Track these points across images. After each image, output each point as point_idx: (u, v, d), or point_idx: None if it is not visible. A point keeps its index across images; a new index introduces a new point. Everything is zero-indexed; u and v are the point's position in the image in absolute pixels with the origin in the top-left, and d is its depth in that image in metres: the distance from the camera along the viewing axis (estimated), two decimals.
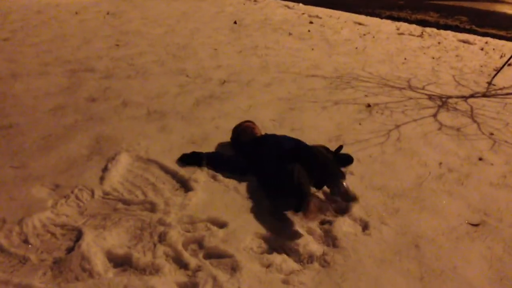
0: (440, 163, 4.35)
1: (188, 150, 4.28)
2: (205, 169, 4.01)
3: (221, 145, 4.48)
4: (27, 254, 2.88)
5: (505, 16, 12.81)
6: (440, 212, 3.56)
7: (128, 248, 3.01)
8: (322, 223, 3.38)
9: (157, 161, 4.11)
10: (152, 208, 3.44)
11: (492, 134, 5.15)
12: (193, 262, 2.91)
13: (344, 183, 3.52)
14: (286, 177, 3.47)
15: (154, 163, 4.09)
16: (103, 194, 3.59)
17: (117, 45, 8.34)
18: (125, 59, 7.44)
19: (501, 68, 7.70)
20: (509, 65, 8.18)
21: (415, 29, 12.20)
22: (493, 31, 12.23)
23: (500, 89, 7.04)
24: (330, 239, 3.19)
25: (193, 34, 9.73)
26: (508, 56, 8.48)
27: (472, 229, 3.35)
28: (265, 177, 3.81)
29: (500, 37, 11.86)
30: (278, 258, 2.99)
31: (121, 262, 2.88)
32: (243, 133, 4.42)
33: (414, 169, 4.25)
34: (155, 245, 3.04)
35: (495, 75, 7.62)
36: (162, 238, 3.10)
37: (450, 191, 3.88)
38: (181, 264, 2.90)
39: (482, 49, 10.20)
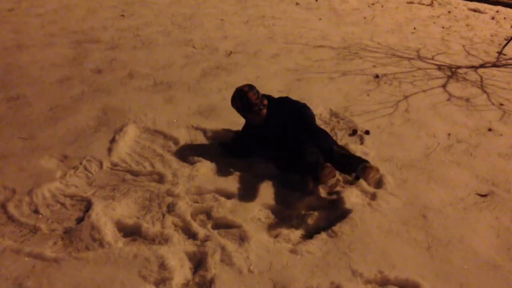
0: (449, 134, 4.32)
1: (195, 121, 4.28)
2: (211, 141, 4.02)
3: (228, 117, 4.45)
4: (37, 224, 2.92)
5: None
6: (448, 183, 3.55)
7: (137, 218, 3.04)
8: (330, 193, 3.39)
9: (165, 132, 4.11)
10: (160, 179, 3.45)
11: (502, 104, 5.09)
12: (201, 232, 2.94)
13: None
14: (303, 154, 3.44)
15: (161, 134, 4.09)
16: (112, 165, 3.61)
17: (123, 15, 8.24)
18: (130, 29, 7.36)
19: (511, 37, 7.57)
20: None
21: None
22: (505, 0, 11.96)
23: (511, 58, 6.93)
24: (338, 210, 3.20)
25: (199, 4, 9.58)
26: None
27: (480, 199, 3.35)
28: (279, 155, 3.70)
29: None
30: (285, 228, 3.01)
31: (130, 232, 2.92)
32: (249, 114, 3.76)
33: (422, 140, 4.22)
34: (163, 215, 3.07)
35: (506, 44, 7.49)
36: (170, 208, 3.12)
37: (459, 161, 3.86)
38: (190, 234, 2.93)
39: (493, 18, 10.00)
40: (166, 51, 6.38)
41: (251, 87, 3.68)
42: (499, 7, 11.32)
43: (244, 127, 3.94)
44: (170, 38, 7.01)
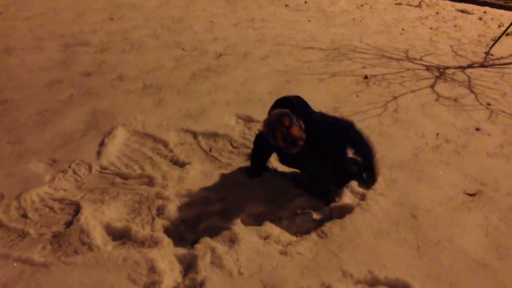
0: (437, 134, 4.35)
1: (185, 124, 4.28)
2: (201, 144, 4.01)
3: (217, 119, 4.45)
4: (26, 228, 2.90)
5: None
6: (437, 183, 3.57)
7: (127, 221, 3.03)
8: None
9: (154, 135, 4.10)
10: (150, 182, 3.45)
11: (489, 104, 5.14)
12: (191, 234, 2.94)
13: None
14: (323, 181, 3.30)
15: (151, 137, 4.08)
16: (101, 169, 3.59)
17: (112, 18, 8.21)
18: (119, 32, 7.33)
19: (499, 37, 7.63)
20: (507, 34, 8.10)
21: None
22: (492, 0, 12.07)
23: (498, 59, 6.99)
24: (327, 211, 3.21)
25: (188, 6, 9.57)
26: (506, 25, 8.39)
27: (468, 199, 3.37)
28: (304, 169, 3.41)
29: (499, 7, 11.70)
30: (275, 230, 3.01)
31: (120, 235, 2.91)
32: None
33: (411, 140, 4.25)
34: (153, 218, 3.07)
35: (493, 45, 7.56)
36: (160, 211, 3.12)
37: (447, 161, 3.89)
38: (180, 237, 2.93)
39: (480, 18, 10.09)
40: (156, 54, 6.36)
41: (290, 118, 2.82)
42: (487, 8, 11.43)
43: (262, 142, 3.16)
44: (159, 41, 6.99)
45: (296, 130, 2.83)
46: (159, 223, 3.03)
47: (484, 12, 10.90)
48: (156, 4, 9.57)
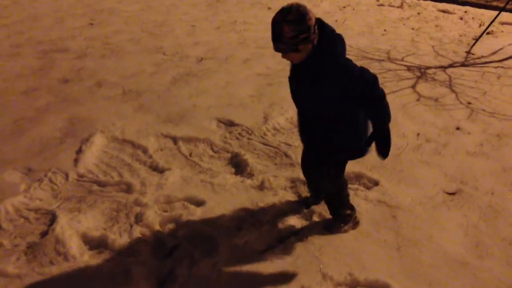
0: (418, 134, 4.35)
1: (165, 129, 4.24)
2: (182, 149, 3.97)
3: (199, 123, 4.41)
4: (0, 239, 2.83)
5: None
6: (417, 182, 3.57)
7: (104, 230, 2.97)
8: (300, 197, 3.37)
9: (133, 141, 4.05)
10: (128, 189, 3.39)
11: (469, 103, 5.16)
12: (170, 241, 2.89)
13: None
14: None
15: (130, 143, 4.03)
16: (78, 177, 3.53)
17: (91, 23, 8.13)
18: (99, 38, 7.26)
19: (480, 37, 7.70)
20: (488, 33, 8.18)
21: (395, 0, 12.11)
22: (473, 0, 12.19)
23: (479, 58, 7.04)
24: (308, 214, 3.18)
25: (169, 11, 9.52)
26: (487, 24, 8.46)
27: (448, 197, 3.37)
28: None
29: (480, 6, 11.81)
30: (255, 234, 2.98)
31: (96, 245, 2.85)
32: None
33: (392, 140, 4.22)
34: (131, 226, 3.01)
35: (474, 44, 7.62)
36: (138, 218, 3.07)
37: (428, 161, 3.89)
38: (158, 244, 2.88)
39: (461, 18, 10.17)
40: (136, 59, 6.30)
41: (297, 16, 2.19)
42: (468, 7, 11.53)
43: None
44: (139, 46, 6.93)
45: (289, 29, 2.20)
46: (137, 230, 2.98)
47: (465, 11, 11.00)
48: (137, 9, 9.51)
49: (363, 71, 2.41)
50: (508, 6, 7.72)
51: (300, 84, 2.49)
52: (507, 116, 4.78)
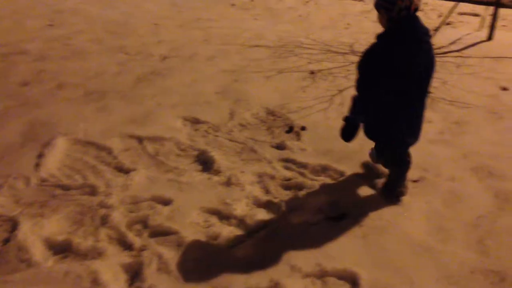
0: None
1: (129, 129, 4.19)
2: (147, 149, 3.92)
3: (164, 122, 4.37)
4: None
5: None
6: (382, 171, 3.62)
7: (69, 234, 2.91)
8: (268, 191, 3.39)
9: (97, 142, 3.98)
10: (93, 191, 3.33)
11: (430, 92, 5.27)
12: (137, 242, 2.85)
13: None
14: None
15: (93, 145, 3.95)
16: (40, 181, 3.44)
17: (51, 25, 7.93)
18: (60, 39, 7.09)
19: (439, 27, 7.88)
20: (447, 24, 8.38)
21: None
22: None
23: (439, 48, 7.19)
24: (276, 207, 3.20)
25: (132, 10, 9.37)
26: (446, 15, 8.66)
27: (412, 185, 3.43)
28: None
29: None
30: (225, 230, 2.98)
31: (61, 249, 2.79)
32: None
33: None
34: (97, 228, 2.97)
35: (433, 34, 7.79)
36: (104, 220, 3.02)
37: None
38: (125, 245, 2.84)
39: (421, 10, 10.39)
40: (98, 59, 6.19)
41: None
42: None
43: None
44: (102, 46, 6.81)
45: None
46: (103, 233, 2.93)
47: (426, 3, 11.24)
48: (99, 9, 9.33)
49: None
50: None
51: None
52: (466, 104, 4.91)
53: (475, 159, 3.80)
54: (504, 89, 5.37)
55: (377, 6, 2.73)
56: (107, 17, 8.66)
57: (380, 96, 2.82)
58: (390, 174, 3.30)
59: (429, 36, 2.79)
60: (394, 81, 2.74)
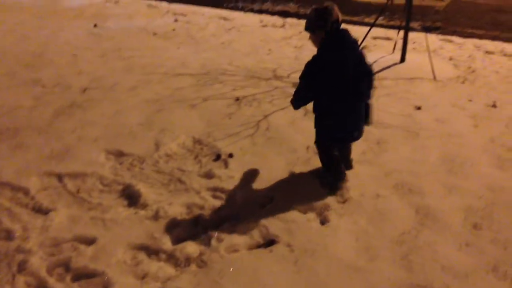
0: (308, 147, 4.51)
1: (48, 166, 3.97)
2: (68, 186, 3.73)
3: (85, 157, 4.19)
4: None
5: (359, 3, 13.91)
6: (309, 195, 3.68)
7: None
8: (197, 223, 3.33)
9: (12, 183, 3.73)
10: (8, 235, 3.11)
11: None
12: (59, 287, 2.68)
13: None
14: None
15: (8, 186, 3.70)
16: None
17: None
18: None
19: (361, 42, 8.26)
20: (363, 48, 8.83)
21: (277, 20, 12.61)
22: (347, 18, 13.16)
23: None
24: (206, 239, 3.14)
25: (49, 41, 9.01)
26: (360, 40, 9.13)
27: (338, 206, 3.52)
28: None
29: (355, 23, 12.78)
30: (153, 267, 2.88)
31: None
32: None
33: (284, 156, 4.36)
34: (14, 276, 2.76)
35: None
36: (21, 267, 2.82)
37: (317, 173, 4.04)
38: None
39: None
40: (11, 94, 5.85)
41: (325, 10, 3.31)
42: (343, 25, 12.39)
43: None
44: (15, 80, 6.45)
45: (314, 16, 3.34)
46: (21, 280, 2.73)
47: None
48: (13, 40, 8.88)
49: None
50: (378, 22, 8.40)
51: None
52: (384, 124, 5.15)
53: (396, 177, 3.98)
54: (418, 108, 5.70)
55: (312, 27, 3.39)
56: (21, 48, 8.26)
57: (318, 95, 3.51)
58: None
59: (358, 45, 3.49)
60: (331, 82, 3.37)
